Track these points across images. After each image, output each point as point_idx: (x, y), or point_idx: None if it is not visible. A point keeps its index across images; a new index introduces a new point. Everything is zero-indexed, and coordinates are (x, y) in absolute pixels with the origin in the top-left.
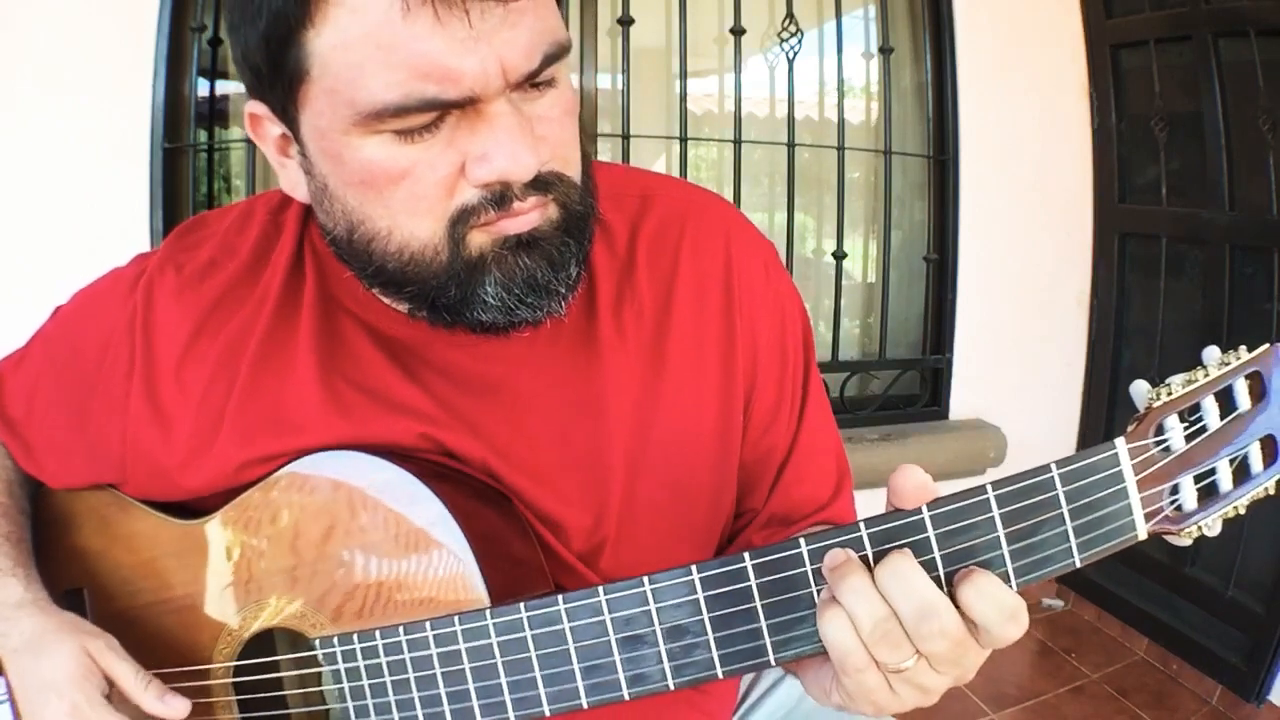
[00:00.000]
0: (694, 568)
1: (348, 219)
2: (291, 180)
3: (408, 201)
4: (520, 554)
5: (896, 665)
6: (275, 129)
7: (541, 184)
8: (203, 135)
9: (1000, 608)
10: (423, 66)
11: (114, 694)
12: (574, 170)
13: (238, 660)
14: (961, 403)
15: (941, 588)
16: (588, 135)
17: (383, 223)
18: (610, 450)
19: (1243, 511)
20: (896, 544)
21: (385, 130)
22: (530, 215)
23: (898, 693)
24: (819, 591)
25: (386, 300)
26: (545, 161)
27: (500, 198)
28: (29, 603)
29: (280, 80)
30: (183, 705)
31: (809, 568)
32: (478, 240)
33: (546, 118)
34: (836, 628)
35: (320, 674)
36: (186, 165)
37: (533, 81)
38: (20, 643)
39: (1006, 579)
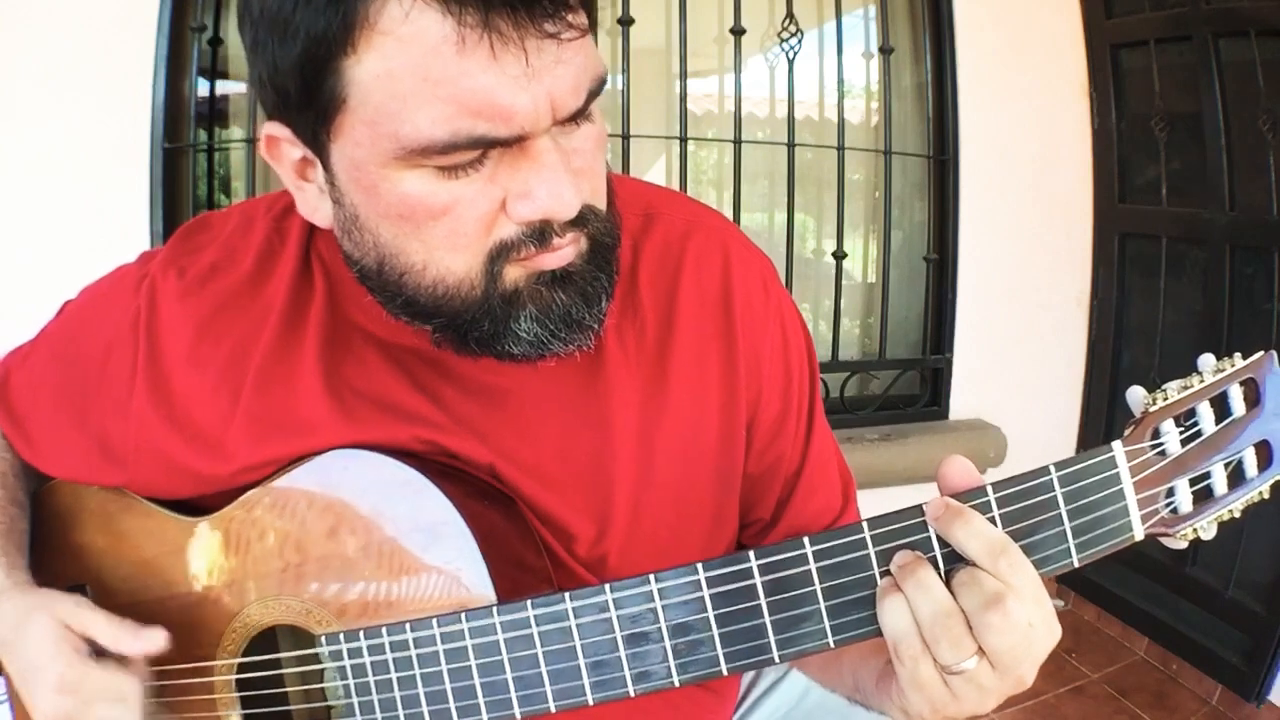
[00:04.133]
0: (700, 566)
1: (379, 251)
2: (311, 205)
3: (447, 238)
4: (524, 554)
5: (957, 665)
6: (296, 152)
7: (579, 219)
8: (203, 135)
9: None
10: (474, 103)
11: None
12: (604, 202)
13: (242, 657)
14: (961, 403)
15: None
16: None
17: (418, 257)
18: (614, 465)
19: (1238, 515)
20: (901, 542)
21: (427, 165)
22: (567, 250)
23: (954, 691)
24: (822, 590)
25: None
26: (584, 196)
27: (540, 234)
28: (10, 588)
29: (313, 106)
30: (159, 634)
31: (813, 566)
32: (513, 274)
33: (582, 151)
34: (896, 614)
35: (323, 671)
36: (186, 165)
37: (577, 116)
38: (7, 631)
39: None
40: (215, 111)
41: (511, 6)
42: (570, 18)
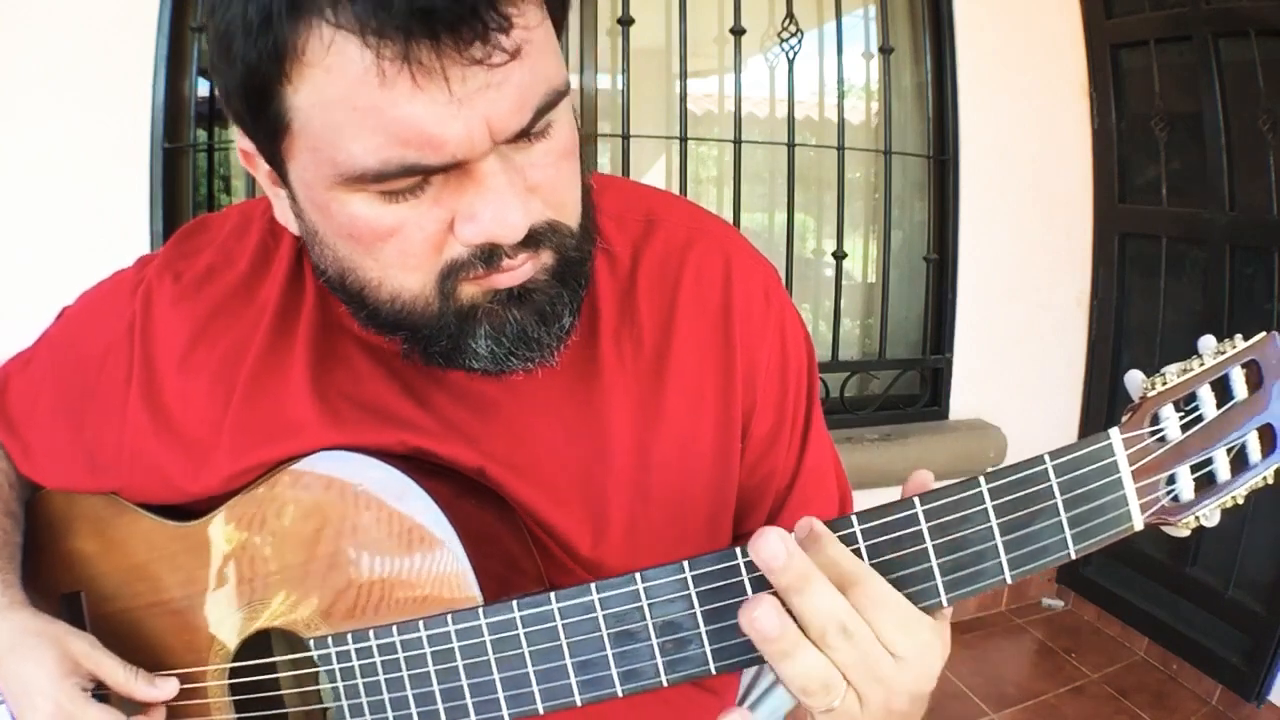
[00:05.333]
0: (686, 564)
1: (338, 265)
2: (284, 214)
3: (397, 257)
4: (516, 554)
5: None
6: (266, 165)
7: (533, 239)
8: (203, 135)
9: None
10: (403, 133)
11: (110, 695)
12: (570, 214)
13: (234, 661)
14: (961, 403)
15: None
16: (587, 136)
17: (373, 274)
18: (608, 471)
19: (1241, 501)
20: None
21: (369, 190)
22: (522, 269)
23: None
24: None
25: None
26: (538, 215)
27: (489, 256)
28: (4, 606)
29: (262, 129)
30: (171, 684)
31: None
32: (468, 291)
33: (540, 164)
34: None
35: (317, 674)
36: (186, 165)
37: (524, 134)
38: (2, 647)
39: (1001, 570)
40: (215, 111)
41: (432, 35)
42: (500, 39)
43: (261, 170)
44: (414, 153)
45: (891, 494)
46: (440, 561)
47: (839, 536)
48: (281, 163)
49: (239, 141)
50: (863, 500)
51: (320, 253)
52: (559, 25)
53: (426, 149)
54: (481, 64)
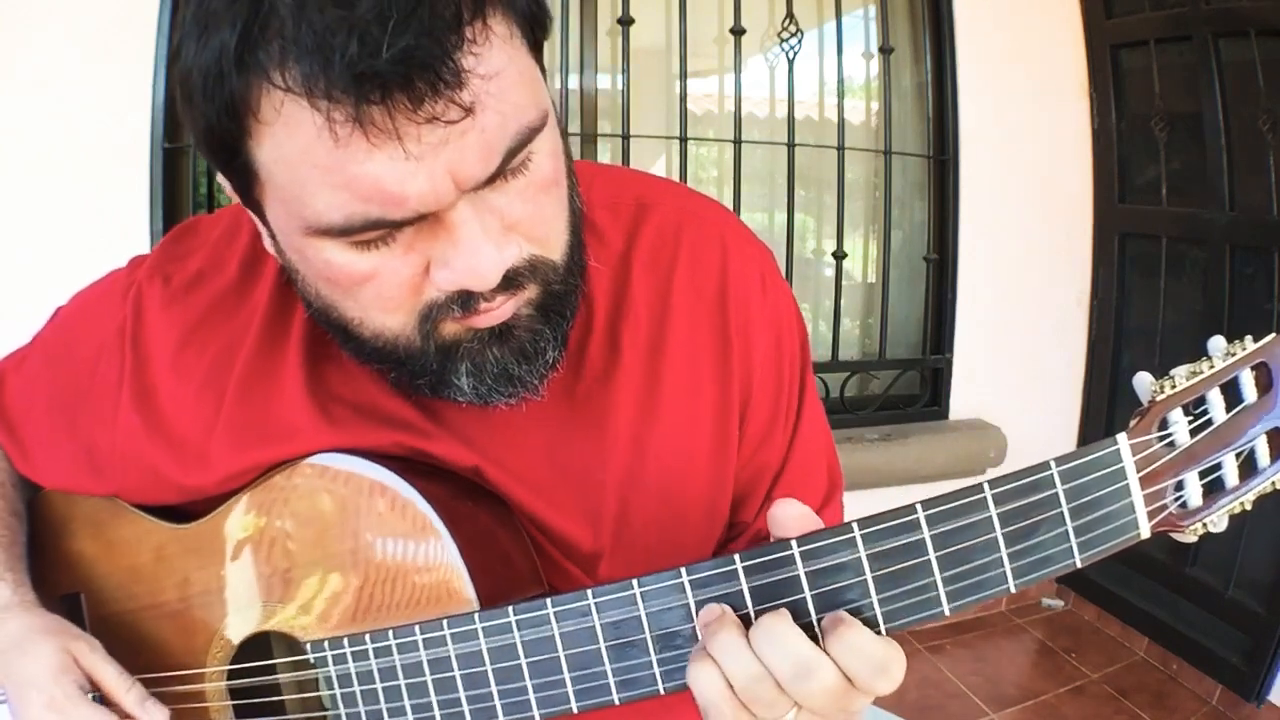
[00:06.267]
0: (683, 570)
1: (320, 303)
2: (270, 245)
3: (375, 301)
4: (513, 555)
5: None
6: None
7: (513, 281)
8: None
9: (868, 660)
10: (363, 190)
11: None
12: (555, 247)
13: (232, 664)
14: (961, 403)
15: (877, 627)
16: (588, 136)
17: (353, 314)
18: (604, 467)
19: (1249, 507)
20: (894, 542)
21: (340, 241)
22: (502, 309)
23: None
24: (812, 595)
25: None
26: (515, 256)
27: (465, 300)
28: (15, 605)
29: (233, 177)
30: (161, 714)
31: (800, 568)
32: (450, 329)
33: (519, 200)
34: (706, 680)
35: (316, 679)
36: (186, 165)
37: (496, 177)
38: (6, 643)
39: (1005, 579)
40: None
41: (383, 95)
42: (455, 94)
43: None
44: (376, 209)
45: (891, 494)
46: (435, 563)
47: (839, 542)
48: (258, 206)
49: (219, 178)
50: (862, 501)
51: (303, 289)
52: (538, 46)
53: (389, 205)
54: (438, 120)
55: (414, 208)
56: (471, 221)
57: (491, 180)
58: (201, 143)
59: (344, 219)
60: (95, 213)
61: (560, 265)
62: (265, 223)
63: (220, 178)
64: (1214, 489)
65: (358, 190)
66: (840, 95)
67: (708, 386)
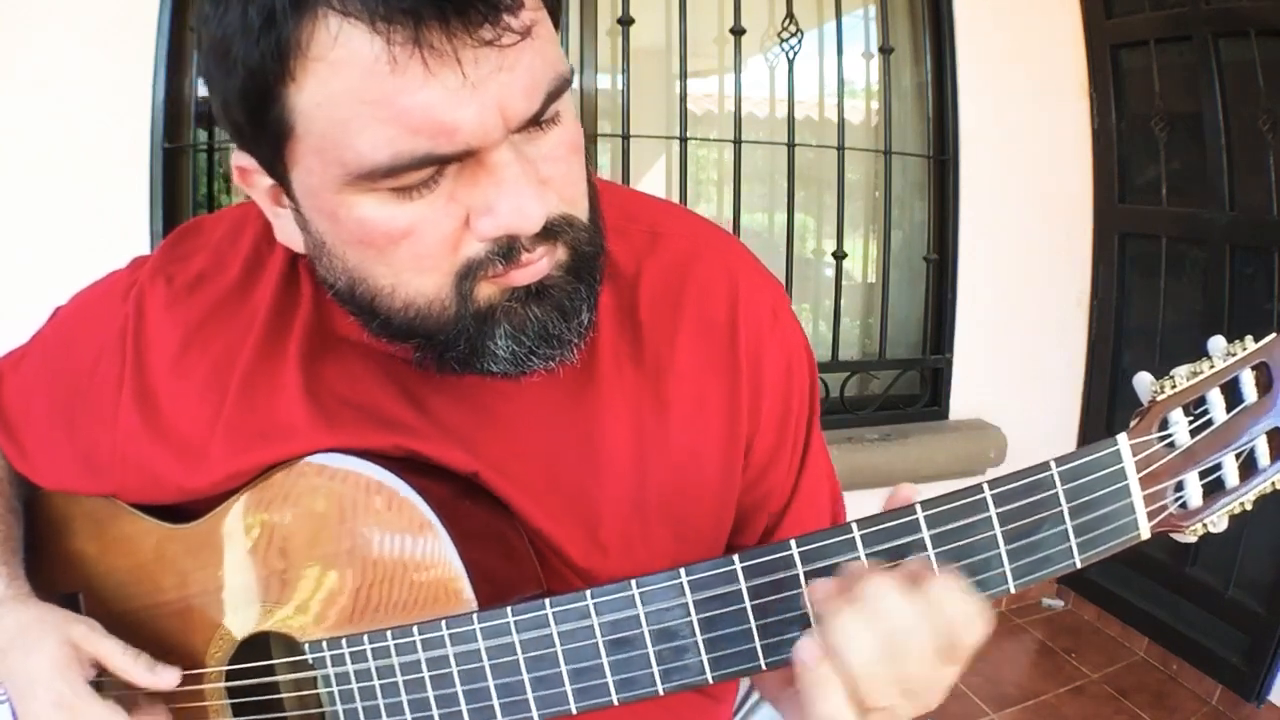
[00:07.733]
0: (682, 570)
1: (348, 275)
2: (286, 231)
3: (412, 261)
4: (510, 555)
5: (885, 703)
6: (265, 180)
7: (550, 232)
8: (203, 135)
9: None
10: (414, 122)
11: (110, 679)
12: (582, 210)
13: (231, 664)
14: (961, 403)
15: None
16: (588, 136)
17: (385, 280)
18: (600, 487)
19: (1249, 507)
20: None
21: (381, 189)
22: (539, 264)
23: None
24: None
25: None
26: (553, 207)
27: (508, 250)
28: (9, 599)
29: (264, 137)
30: (173, 675)
31: (800, 569)
32: (486, 292)
33: (552, 157)
34: (855, 639)
35: (315, 679)
36: (186, 165)
37: (536, 121)
38: (4, 640)
39: (1005, 580)
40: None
41: (442, 18)
42: (510, 20)
43: (260, 188)
44: (426, 141)
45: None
46: (433, 562)
47: (838, 543)
48: (284, 172)
49: (235, 159)
50: (862, 501)
51: (329, 264)
52: (555, 20)
53: (440, 137)
54: (492, 45)
55: (464, 140)
56: (514, 164)
57: (532, 124)
58: (234, 103)
59: (391, 156)
60: (95, 213)
61: (588, 227)
62: (289, 194)
63: (235, 160)
64: (1214, 489)
65: (408, 122)
66: (840, 95)
67: (715, 415)
